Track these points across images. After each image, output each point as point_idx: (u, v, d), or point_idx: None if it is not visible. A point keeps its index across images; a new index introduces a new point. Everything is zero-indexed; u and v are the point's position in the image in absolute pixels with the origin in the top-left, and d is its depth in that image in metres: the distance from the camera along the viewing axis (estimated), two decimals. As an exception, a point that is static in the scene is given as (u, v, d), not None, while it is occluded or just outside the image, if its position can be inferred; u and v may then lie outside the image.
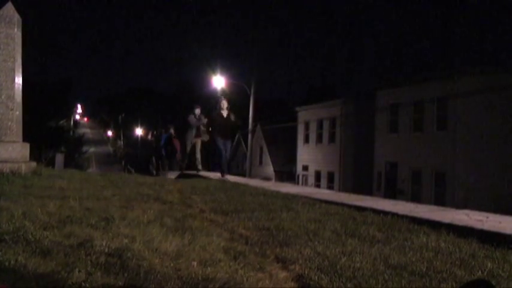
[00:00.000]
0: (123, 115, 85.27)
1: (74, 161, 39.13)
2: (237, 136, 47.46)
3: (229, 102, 11.05)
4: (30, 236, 2.65)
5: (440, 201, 20.25)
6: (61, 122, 38.82)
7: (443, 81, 21.66)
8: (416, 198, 21.14)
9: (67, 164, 26.30)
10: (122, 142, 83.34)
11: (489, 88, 19.21)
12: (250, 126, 26.75)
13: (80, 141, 47.12)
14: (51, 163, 19.13)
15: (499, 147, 19.93)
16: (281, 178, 34.94)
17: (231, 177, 11.13)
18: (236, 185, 8.00)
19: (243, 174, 27.52)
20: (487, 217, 4.08)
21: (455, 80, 21.10)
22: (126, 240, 2.71)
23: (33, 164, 7.31)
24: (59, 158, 21.23)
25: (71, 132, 43.69)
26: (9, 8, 7.09)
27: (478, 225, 3.55)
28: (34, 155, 8.63)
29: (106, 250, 2.51)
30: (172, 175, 14.95)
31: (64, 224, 3.09)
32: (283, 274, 2.45)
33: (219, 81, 27.65)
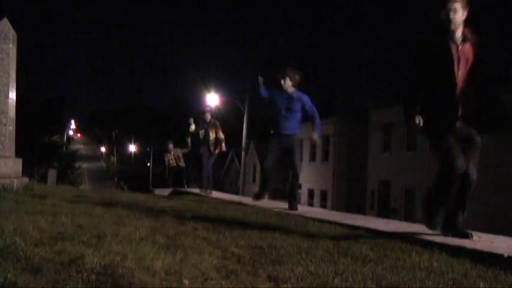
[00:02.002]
0: (116, 131, 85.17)
1: (67, 176, 38.97)
2: (230, 153, 47.46)
3: (212, 115, 10.80)
4: (20, 253, 2.63)
5: (433, 220, 20.25)
6: (54, 137, 38.73)
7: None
8: (409, 217, 21.14)
9: (60, 180, 26.19)
10: (115, 158, 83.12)
11: None
12: (243, 144, 26.77)
13: (73, 157, 47.00)
14: (43, 179, 19.07)
15: (492, 165, 20.01)
16: (274, 196, 34.81)
17: (224, 196, 11.13)
18: (229, 202, 7.99)
19: (236, 192, 27.48)
20: (480, 237, 4.09)
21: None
22: (117, 258, 2.69)
23: (26, 179, 7.27)
24: (52, 174, 21.15)
25: (64, 148, 43.57)
26: (5, 23, 7.11)
27: (471, 245, 3.56)
28: (27, 171, 8.60)
29: (97, 267, 2.49)
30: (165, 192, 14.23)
31: (55, 240, 3.07)
32: (275, 293, 2.44)
33: (212, 99, 27.72)
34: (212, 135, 10.83)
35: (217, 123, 11.16)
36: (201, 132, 10.86)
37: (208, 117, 10.99)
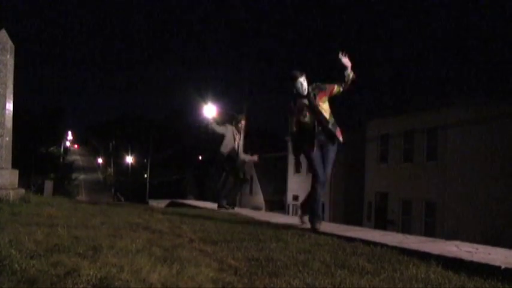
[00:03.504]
0: (113, 142, 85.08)
1: (63, 188, 38.85)
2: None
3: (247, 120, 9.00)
4: (16, 265, 2.62)
5: (430, 231, 20.24)
6: (51, 148, 38.66)
7: (433, 112, 21.88)
8: (406, 229, 21.11)
9: (56, 191, 26.08)
10: (112, 170, 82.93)
11: (479, 119, 19.41)
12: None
13: (70, 168, 46.93)
14: (40, 190, 18.99)
15: (489, 177, 20.03)
16: (271, 208, 34.85)
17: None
18: (226, 214, 7.97)
19: (234, 204, 27.38)
20: (477, 248, 4.08)
21: (445, 111, 21.30)
22: (114, 270, 2.68)
23: (22, 191, 7.25)
24: (48, 185, 21.06)
25: (61, 159, 43.49)
26: (3, 35, 7.14)
27: (468, 257, 3.55)
28: (23, 182, 8.58)
29: (93, 280, 2.48)
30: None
31: (51, 252, 3.06)
32: (272, 305, 2.43)
33: (210, 110, 27.74)
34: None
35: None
36: (232, 141, 9.54)
37: (243, 123, 9.81)
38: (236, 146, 9.65)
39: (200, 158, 65.48)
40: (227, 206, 9.69)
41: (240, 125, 9.77)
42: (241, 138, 9.70)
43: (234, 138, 9.65)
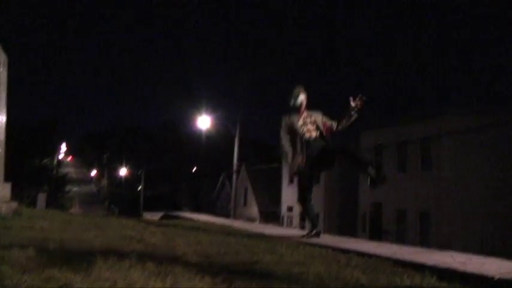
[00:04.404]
0: (107, 154, 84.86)
1: (57, 200, 38.62)
2: (221, 177, 47.35)
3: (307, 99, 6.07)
4: (7, 281, 2.60)
5: (425, 241, 20.24)
6: (44, 161, 38.49)
7: (427, 122, 21.98)
8: (401, 239, 21.11)
9: (49, 204, 25.94)
10: (105, 182, 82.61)
11: (472, 129, 19.50)
12: (234, 167, 26.74)
13: (63, 180, 46.65)
14: (33, 203, 18.89)
15: (482, 187, 20.10)
16: (266, 219, 34.77)
17: (215, 219, 11.00)
18: (220, 226, 7.95)
19: (228, 215, 27.36)
20: (471, 259, 4.09)
21: (439, 121, 21.41)
22: (107, 284, 2.67)
23: (14, 204, 7.20)
24: (41, 198, 20.95)
25: (54, 172, 43.30)
26: (-5, 48, 7.12)
27: (461, 268, 3.56)
28: (15, 195, 8.52)
29: (86, 295, 2.47)
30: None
31: (44, 267, 3.04)
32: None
33: (204, 121, 27.75)
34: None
35: None
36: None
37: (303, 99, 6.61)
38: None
39: (195, 169, 65.39)
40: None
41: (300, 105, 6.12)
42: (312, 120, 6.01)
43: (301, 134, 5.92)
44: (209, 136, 43.50)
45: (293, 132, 5.86)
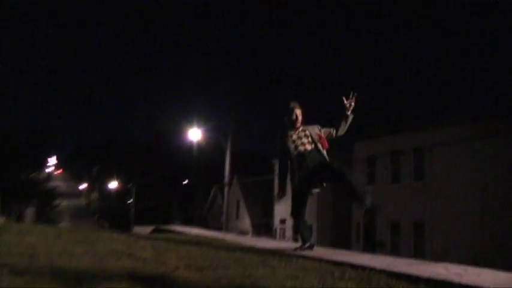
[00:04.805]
0: (97, 167, 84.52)
1: (46, 215, 38.33)
2: (213, 189, 47.23)
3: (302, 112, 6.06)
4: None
5: (420, 252, 20.25)
6: (33, 174, 38.19)
7: (420, 132, 22.06)
8: (396, 250, 21.10)
9: (38, 218, 25.73)
10: (96, 195, 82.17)
11: (465, 138, 19.58)
12: (226, 179, 26.68)
13: (52, 194, 46.30)
14: (21, 217, 18.73)
15: (476, 197, 20.15)
16: (258, 232, 34.68)
17: (207, 233, 10.96)
18: (212, 239, 7.92)
19: (220, 228, 27.26)
20: (466, 270, 4.09)
21: (432, 131, 21.50)
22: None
23: (2, 219, 7.15)
24: (30, 212, 20.79)
25: (43, 185, 42.95)
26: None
27: (457, 279, 3.55)
28: (4, 209, 8.46)
29: (75, 312, 2.44)
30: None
31: (33, 283, 3.00)
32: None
33: (195, 134, 27.69)
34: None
35: None
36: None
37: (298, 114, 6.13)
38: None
39: (186, 182, 65.21)
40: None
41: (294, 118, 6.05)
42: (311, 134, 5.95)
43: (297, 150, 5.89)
44: (201, 148, 43.45)
45: (287, 150, 5.89)
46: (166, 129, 70.34)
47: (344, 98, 5.86)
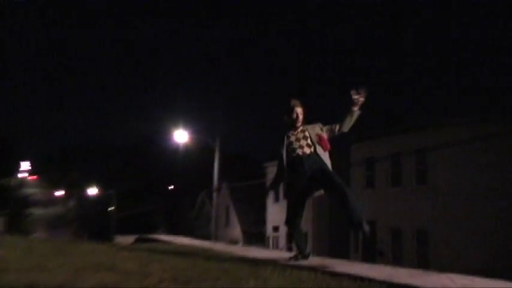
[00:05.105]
0: (76, 173, 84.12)
1: (19, 224, 38.11)
2: (201, 195, 47.15)
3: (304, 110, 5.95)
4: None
5: (423, 262, 20.30)
6: (3, 181, 37.94)
7: (422, 133, 22.06)
8: (397, 260, 21.13)
9: (10, 229, 25.54)
10: (74, 202, 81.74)
11: (471, 139, 19.55)
12: (215, 184, 26.65)
13: (26, 202, 46.05)
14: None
15: (484, 202, 20.19)
16: (250, 240, 34.66)
17: (195, 242, 10.94)
18: (199, 249, 7.89)
19: (208, 237, 27.21)
20: (473, 281, 4.09)
21: (435, 131, 21.49)
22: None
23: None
24: (0, 222, 20.65)
25: (15, 192, 42.66)
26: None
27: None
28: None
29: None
30: None
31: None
32: None
33: (181, 136, 27.65)
34: None
35: None
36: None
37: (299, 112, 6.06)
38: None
39: (172, 187, 65.06)
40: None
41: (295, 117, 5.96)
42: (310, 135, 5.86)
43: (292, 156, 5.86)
44: (187, 151, 43.38)
45: (280, 157, 5.90)
46: (150, 131, 70.31)
47: (353, 92, 5.66)
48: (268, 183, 5.23)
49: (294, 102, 5.86)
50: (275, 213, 32.40)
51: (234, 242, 34.31)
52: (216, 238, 27.01)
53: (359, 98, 5.63)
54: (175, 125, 28.10)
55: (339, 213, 5.65)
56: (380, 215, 24.07)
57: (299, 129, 5.85)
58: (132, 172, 70.70)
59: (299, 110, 5.86)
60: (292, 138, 5.81)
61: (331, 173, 5.62)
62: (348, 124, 5.81)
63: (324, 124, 5.93)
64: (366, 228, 5.29)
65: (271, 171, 32.77)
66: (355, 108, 5.70)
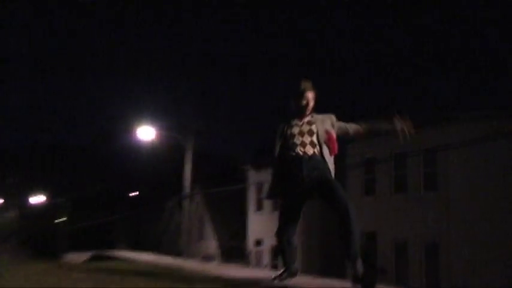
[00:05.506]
0: (17, 178, 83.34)
1: None
2: (170, 204, 47.02)
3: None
4: None
5: (433, 279, 20.42)
6: None
7: (432, 129, 21.96)
8: (402, 277, 21.23)
9: None
10: (14, 213, 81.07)
11: (489, 137, 19.50)
12: (186, 190, 26.61)
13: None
14: None
15: (503, 210, 20.25)
16: (228, 256, 34.63)
17: (162, 259, 10.96)
18: (167, 269, 7.90)
19: (178, 253, 27.17)
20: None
21: (447, 128, 21.41)
22: None
23: None
24: None
25: None
26: None
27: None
28: None
29: None
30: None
31: None
32: None
33: (146, 133, 27.48)
34: None
35: None
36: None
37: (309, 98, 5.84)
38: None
39: (135, 194, 64.80)
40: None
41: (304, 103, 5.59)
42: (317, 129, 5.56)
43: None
44: (154, 152, 43.23)
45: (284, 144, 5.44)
46: (108, 129, 69.90)
47: (396, 118, 5.51)
48: (264, 193, 4.88)
49: (304, 84, 5.44)
50: (258, 224, 32.39)
51: (209, 258, 34.27)
52: (188, 254, 27.00)
53: (402, 125, 5.50)
54: (140, 120, 27.95)
55: (333, 224, 5.54)
56: (382, 226, 24.12)
57: (305, 120, 5.45)
58: (86, 177, 70.27)
59: (310, 95, 5.43)
60: (295, 130, 5.40)
61: (334, 185, 5.27)
62: (366, 133, 5.64)
63: (338, 119, 5.57)
64: (359, 269, 5.16)
65: (254, 175, 32.82)
66: (391, 128, 5.55)
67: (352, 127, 5.59)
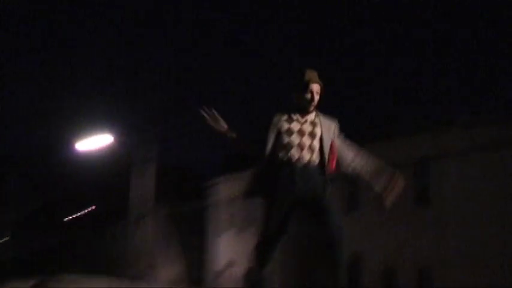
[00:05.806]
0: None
1: None
2: (127, 223, 46.71)
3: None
4: None
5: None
6: None
7: (424, 137, 21.90)
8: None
9: None
10: None
11: (488, 146, 19.48)
12: (145, 207, 26.48)
13: None
14: None
15: (505, 229, 20.22)
16: (195, 281, 34.50)
17: (116, 284, 10.88)
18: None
19: (138, 278, 27.01)
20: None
21: (440, 135, 21.37)
22: None
23: None
24: None
25: None
26: None
27: None
28: None
29: None
30: None
31: None
32: None
33: (99, 141, 27.25)
34: None
35: None
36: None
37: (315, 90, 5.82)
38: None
39: (87, 212, 64.37)
40: None
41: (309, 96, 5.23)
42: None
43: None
44: (108, 163, 42.97)
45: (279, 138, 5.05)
46: (53, 136, 69.24)
47: (385, 177, 5.38)
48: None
49: (309, 75, 5.07)
50: (228, 242, 32.23)
51: (173, 283, 34.08)
52: (150, 279, 26.82)
53: (390, 185, 5.38)
54: (94, 126, 27.73)
55: (314, 237, 5.29)
56: (367, 249, 23.85)
57: (308, 118, 5.10)
58: (29, 192, 69.52)
59: (315, 88, 5.06)
60: (295, 127, 5.03)
61: (329, 208, 5.05)
62: (357, 170, 5.29)
63: (340, 131, 5.24)
64: None
65: (222, 190, 32.63)
66: (379, 190, 5.38)
67: (350, 155, 5.24)
